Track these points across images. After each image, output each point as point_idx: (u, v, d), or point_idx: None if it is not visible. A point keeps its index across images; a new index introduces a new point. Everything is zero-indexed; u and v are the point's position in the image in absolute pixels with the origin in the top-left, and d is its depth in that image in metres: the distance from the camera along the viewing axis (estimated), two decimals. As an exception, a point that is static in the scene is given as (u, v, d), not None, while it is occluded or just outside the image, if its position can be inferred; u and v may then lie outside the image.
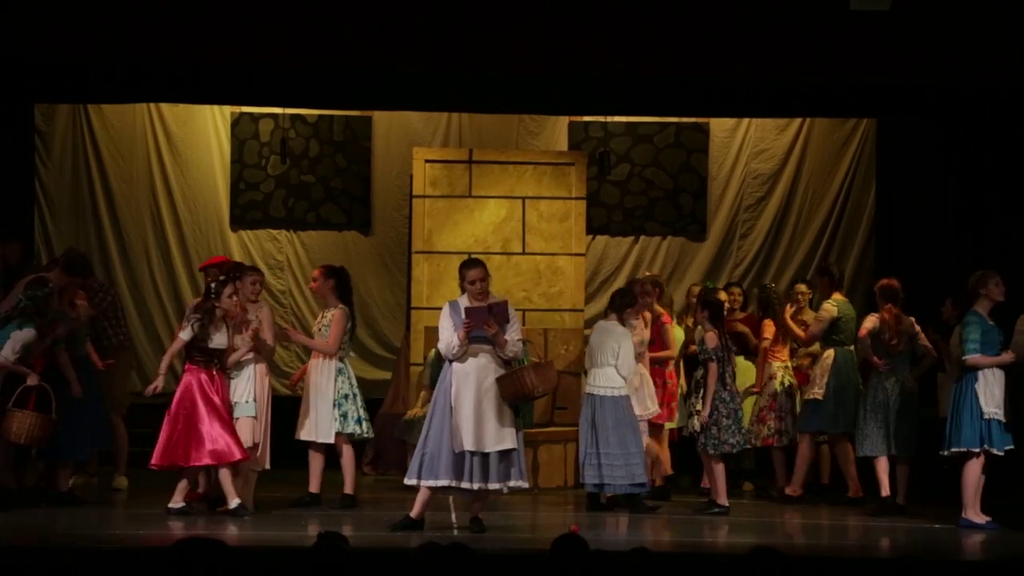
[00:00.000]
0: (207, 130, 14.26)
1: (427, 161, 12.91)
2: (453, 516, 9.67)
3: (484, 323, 9.36)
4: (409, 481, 9.53)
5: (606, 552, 6.05)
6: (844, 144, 14.41)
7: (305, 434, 10.57)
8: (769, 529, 10.36)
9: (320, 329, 10.75)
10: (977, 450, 10.07)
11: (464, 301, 9.54)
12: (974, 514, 10.10)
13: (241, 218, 14.30)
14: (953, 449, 10.13)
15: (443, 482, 9.35)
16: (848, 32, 10.43)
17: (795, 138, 14.46)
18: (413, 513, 9.53)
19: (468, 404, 9.34)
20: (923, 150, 13.46)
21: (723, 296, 11.99)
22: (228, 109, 14.14)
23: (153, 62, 10.63)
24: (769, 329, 11.69)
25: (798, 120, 14.35)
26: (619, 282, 13.49)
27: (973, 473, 10.12)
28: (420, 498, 9.52)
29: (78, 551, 7.92)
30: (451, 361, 9.49)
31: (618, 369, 10.58)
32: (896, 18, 10.33)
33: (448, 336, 9.47)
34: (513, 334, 9.49)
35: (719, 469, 10.70)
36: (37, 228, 13.68)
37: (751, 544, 6.58)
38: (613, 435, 10.52)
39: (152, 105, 14.01)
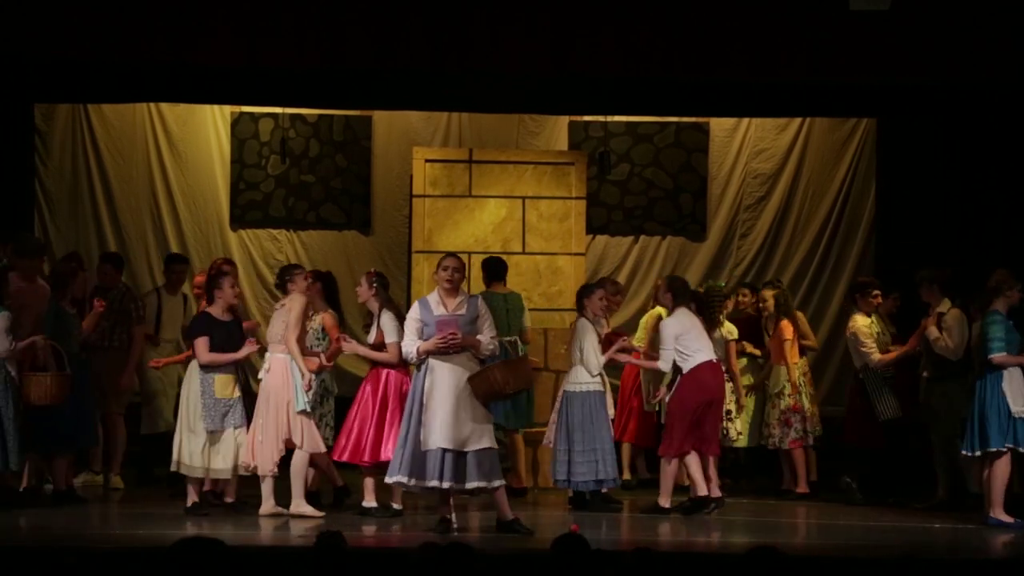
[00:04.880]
0: (207, 130, 14.24)
1: (427, 161, 12.90)
2: (452, 516, 9.66)
3: (451, 334, 9.30)
4: (388, 479, 9.55)
5: (606, 552, 6.06)
6: (844, 144, 14.40)
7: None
8: (769, 529, 10.35)
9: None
10: (1005, 449, 10.09)
11: (434, 297, 9.53)
12: (1000, 512, 10.09)
13: (241, 218, 14.29)
14: (986, 449, 10.12)
15: (432, 483, 9.32)
16: (848, 32, 10.43)
17: (795, 138, 14.45)
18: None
19: (443, 403, 9.26)
20: (923, 150, 13.45)
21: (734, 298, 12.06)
22: (228, 109, 14.13)
23: (153, 62, 10.62)
24: (788, 330, 11.66)
25: (798, 120, 14.34)
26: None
27: (1002, 472, 10.11)
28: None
29: (78, 551, 7.93)
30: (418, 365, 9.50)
31: (585, 365, 10.58)
32: (896, 18, 10.32)
33: (408, 344, 9.48)
34: (487, 332, 9.48)
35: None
36: (37, 228, 13.66)
37: (750, 544, 6.58)
38: (578, 432, 10.51)
39: (152, 105, 14.00)
